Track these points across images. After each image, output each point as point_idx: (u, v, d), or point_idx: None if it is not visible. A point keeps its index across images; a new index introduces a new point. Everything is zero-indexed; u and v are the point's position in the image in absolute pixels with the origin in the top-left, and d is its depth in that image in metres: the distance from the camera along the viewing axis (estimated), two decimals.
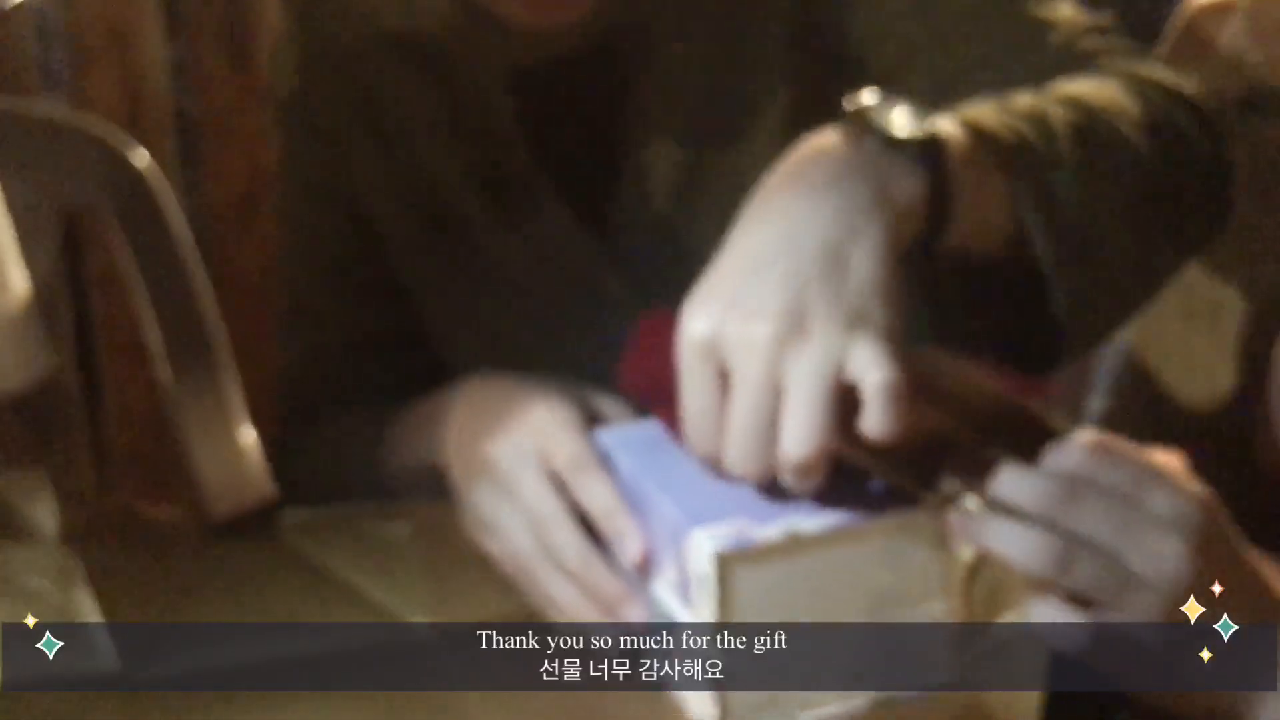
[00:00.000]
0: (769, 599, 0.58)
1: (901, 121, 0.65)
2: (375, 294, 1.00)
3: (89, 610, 0.64)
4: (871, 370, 0.57)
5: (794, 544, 0.58)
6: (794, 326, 0.58)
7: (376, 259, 1.00)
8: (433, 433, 0.80)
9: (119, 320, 1.82)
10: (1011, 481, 0.56)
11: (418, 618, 0.66)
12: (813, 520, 0.58)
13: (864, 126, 0.64)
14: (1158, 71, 0.81)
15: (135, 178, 1.23)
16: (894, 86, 0.71)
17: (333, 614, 0.67)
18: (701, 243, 0.83)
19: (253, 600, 0.68)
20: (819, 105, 0.83)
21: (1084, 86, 0.76)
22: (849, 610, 0.59)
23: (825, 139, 0.66)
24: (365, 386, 0.99)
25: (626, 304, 0.92)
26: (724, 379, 0.59)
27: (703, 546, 0.57)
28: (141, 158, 1.24)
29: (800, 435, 0.57)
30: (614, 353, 0.87)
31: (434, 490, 0.79)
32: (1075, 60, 0.80)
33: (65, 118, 1.29)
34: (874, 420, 0.57)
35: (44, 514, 0.71)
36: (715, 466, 0.60)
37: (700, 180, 0.92)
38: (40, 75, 1.85)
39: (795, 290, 0.59)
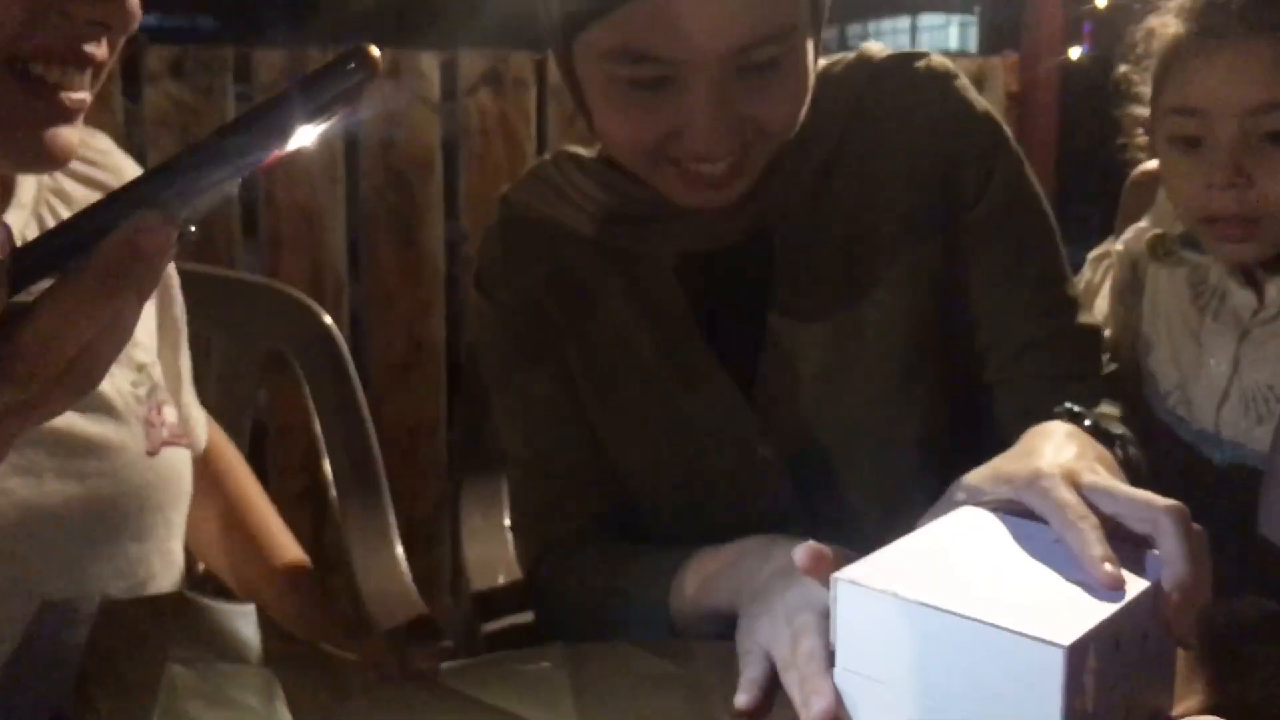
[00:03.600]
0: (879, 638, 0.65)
1: (1108, 413, 0.94)
2: (584, 439, 1.05)
3: None
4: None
5: (896, 599, 0.64)
6: None
7: (579, 407, 1.05)
8: (732, 582, 0.86)
9: (290, 471, 2.00)
10: None
11: None
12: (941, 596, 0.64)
13: (1078, 420, 0.87)
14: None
15: (322, 332, 1.35)
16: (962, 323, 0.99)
17: None
18: (836, 417, 0.98)
19: None
20: (927, 284, 1.00)
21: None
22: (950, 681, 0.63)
23: (1054, 426, 0.86)
24: (589, 526, 1.05)
25: (775, 469, 1.00)
26: None
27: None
28: (325, 316, 1.36)
29: None
30: (762, 510, 0.98)
31: (701, 628, 0.88)
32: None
33: (264, 283, 1.42)
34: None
35: (250, 637, 0.73)
36: None
37: (834, 357, 1.00)
38: (245, 252, 2.04)
39: None
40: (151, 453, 0.91)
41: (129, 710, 0.65)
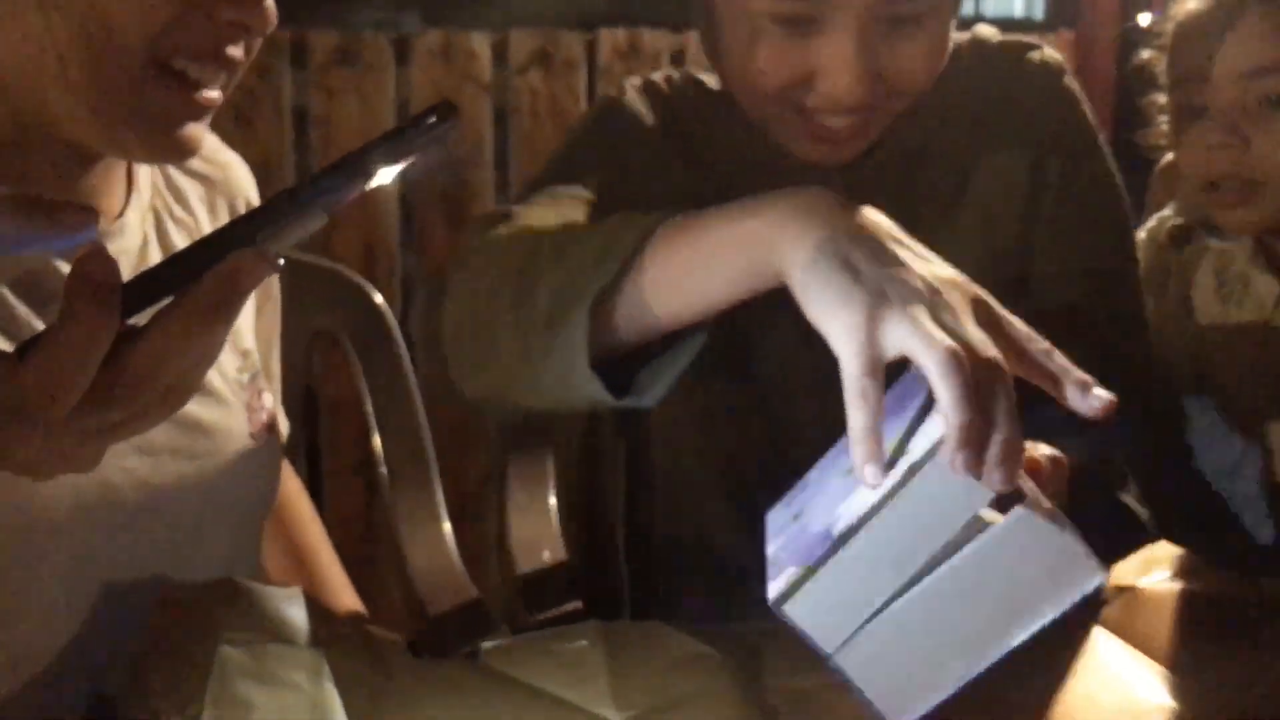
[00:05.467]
0: None
1: None
2: None
3: (336, 704, 0.71)
4: None
5: None
6: None
7: None
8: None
9: (343, 445, 2.02)
10: None
11: (606, 710, 0.72)
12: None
13: None
14: None
15: (372, 310, 1.37)
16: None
17: (537, 711, 0.72)
18: None
19: (458, 702, 0.74)
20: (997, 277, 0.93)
21: None
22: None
23: None
24: None
25: (812, 422, 0.95)
26: None
27: None
28: (376, 295, 1.38)
29: None
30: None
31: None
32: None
33: (316, 261, 1.43)
34: None
35: (299, 620, 0.75)
36: None
37: None
38: None
39: None
40: (254, 435, 0.95)
41: (182, 691, 0.68)
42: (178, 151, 0.80)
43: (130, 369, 0.54)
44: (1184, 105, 1.11)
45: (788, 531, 0.71)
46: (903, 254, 0.69)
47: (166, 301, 0.55)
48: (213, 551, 0.93)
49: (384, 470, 1.39)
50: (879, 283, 0.67)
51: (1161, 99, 1.20)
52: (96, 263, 0.52)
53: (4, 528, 0.78)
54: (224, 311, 0.54)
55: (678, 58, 2.16)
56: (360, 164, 0.56)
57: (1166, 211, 1.23)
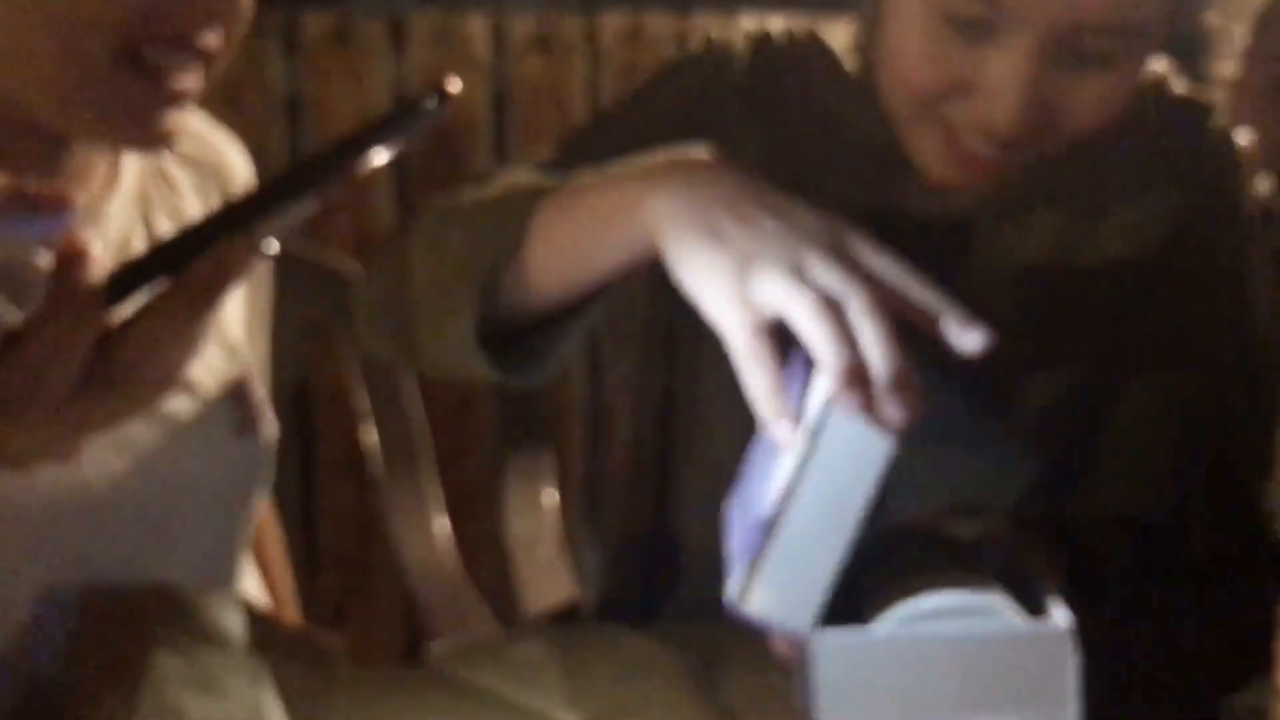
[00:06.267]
0: None
1: None
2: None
3: (275, 711, 0.70)
4: None
5: None
6: None
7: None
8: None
9: (336, 438, 2.00)
10: None
11: (561, 713, 0.72)
12: None
13: None
14: None
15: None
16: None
17: (480, 717, 0.73)
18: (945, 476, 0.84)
19: (405, 706, 0.75)
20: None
21: None
22: None
23: None
24: None
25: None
26: None
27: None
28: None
29: None
30: None
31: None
32: None
33: (308, 251, 1.41)
34: None
35: (237, 626, 0.75)
36: None
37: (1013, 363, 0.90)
38: None
39: None
40: (240, 433, 0.93)
41: (115, 697, 0.67)
42: (152, 142, 0.80)
43: (118, 360, 0.53)
44: (1264, 80, 1.05)
45: (736, 525, 0.70)
46: (764, 211, 0.68)
47: (151, 289, 0.54)
48: (193, 552, 0.91)
49: (378, 464, 1.37)
50: (743, 245, 0.66)
51: (1225, 67, 1.14)
52: (80, 256, 0.51)
53: None
54: (212, 300, 0.54)
55: (681, 42, 2.13)
56: (351, 148, 0.56)
57: None
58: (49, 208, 0.51)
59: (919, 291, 0.66)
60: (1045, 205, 0.91)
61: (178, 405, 0.88)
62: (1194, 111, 0.95)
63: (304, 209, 0.56)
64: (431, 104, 0.57)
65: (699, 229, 0.67)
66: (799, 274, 0.64)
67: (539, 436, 1.37)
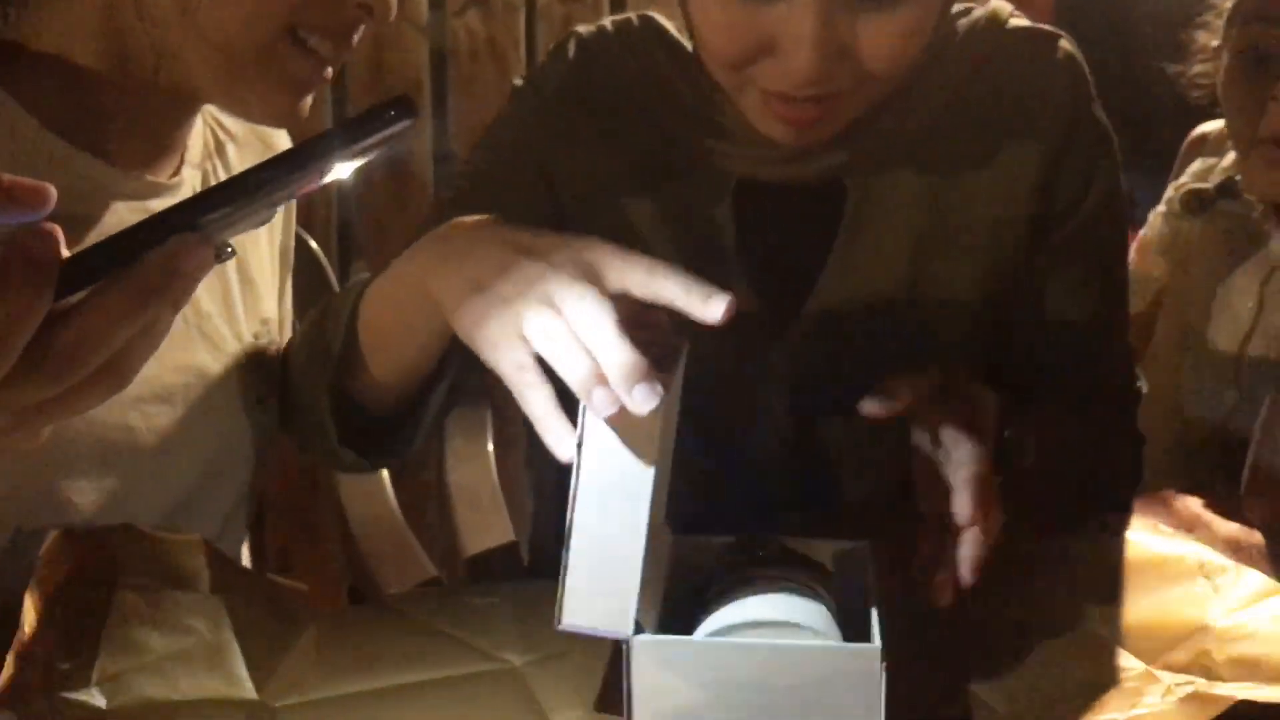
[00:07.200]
0: None
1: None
2: None
3: (235, 652, 0.72)
4: None
5: None
6: None
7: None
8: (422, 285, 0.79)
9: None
10: None
11: (510, 655, 0.75)
12: None
13: None
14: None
15: (309, 258, 1.32)
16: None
17: (439, 653, 0.75)
18: (864, 373, 0.86)
19: (365, 645, 0.76)
20: (996, 284, 0.96)
21: None
22: None
23: None
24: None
25: (778, 418, 0.97)
26: None
27: None
28: (311, 243, 1.33)
29: None
30: (754, 443, 0.95)
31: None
32: None
33: None
34: None
35: (199, 567, 0.76)
36: None
37: (879, 341, 0.95)
38: None
39: None
40: (261, 400, 0.97)
41: (76, 633, 0.69)
42: (290, 116, 0.85)
43: (58, 346, 0.53)
44: (1246, 48, 1.05)
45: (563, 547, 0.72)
46: (520, 256, 0.72)
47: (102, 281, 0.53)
48: (216, 507, 0.95)
49: None
50: (503, 291, 0.71)
51: (1206, 38, 1.15)
52: (36, 238, 0.50)
53: (29, 471, 0.80)
54: (161, 295, 0.54)
55: (618, 1, 2.14)
56: (311, 157, 0.55)
57: (1183, 179, 1.23)
58: (27, 198, 0.49)
59: (666, 283, 0.69)
60: (907, 161, 0.95)
61: (209, 362, 0.92)
62: (1038, 41, 0.98)
63: (260, 214, 0.56)
64: (395, 116, 0.56)
65: (466, 287, 0.72)
66: (551, 305, 0.68)
67: (480, 391, 1.38)
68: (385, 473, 1.40)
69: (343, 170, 0.56)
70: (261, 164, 0.55)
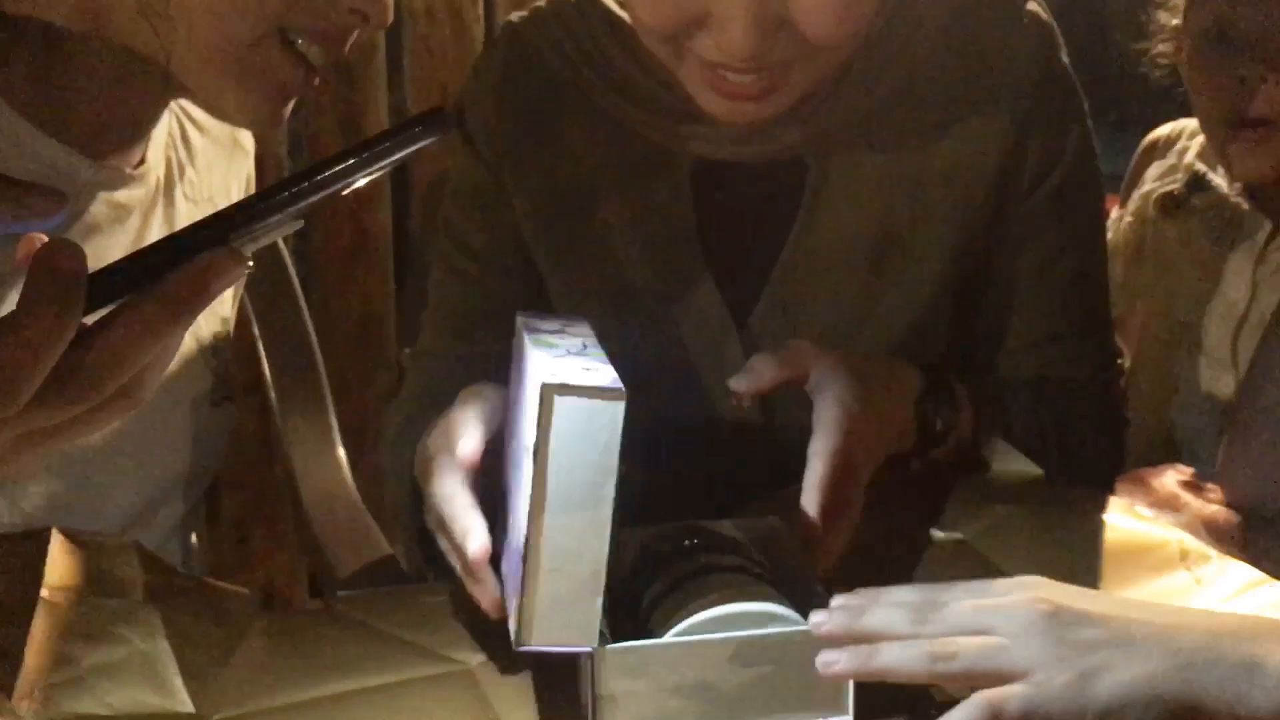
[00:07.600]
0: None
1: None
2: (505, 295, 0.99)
3: (169, 661, 0.69)
4: None
5: None
6: None
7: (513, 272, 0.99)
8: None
9: (238, 364, 1.97)
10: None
11: (461, 655, 0.74)
12: None
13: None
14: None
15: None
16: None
17: (388, 657, 0.73)
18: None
19: (309, 649, 0.74)
20: (964, 257, 0.93)
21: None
22: None
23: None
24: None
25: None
26: None
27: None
28: None
29: None
30: (716, 426, 0.93)
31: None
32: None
33: None
34: None
35: (131, 574, 0.73)
36: None
37: (843, 317, 0.94)
38: None
39: None
40: (215, 404, 0.96)
41: (3, 640, 0.65)
42: (268, 122, 0.83)
43: (88, 365, 0.51)
44: (1206, 29, 1.03)
45: (507, 561, 0.69)
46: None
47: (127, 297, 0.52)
48: (172, 511, 0.94)
49: (276, 394, 1.37)
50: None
51: (1167, 17, 1.14)
52: (63, 253, 0.48)
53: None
54: (189, 310, 0.52)
55: None
56: (340, 170, 0.54)
57: (1148, 187, 1.21)
58: (41, 205, 0.49)
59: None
60: (869, 136, 0.92)
61: (172, 370, 0.87)
62: (1042, 34, 0.96)
63: (287, 226, 0.55)
64: (424, 131, 0.55)
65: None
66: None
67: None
68: (341, 450, 1.38)
69: (364, 180, 0.56)
70: (289, 178, 0.54)
